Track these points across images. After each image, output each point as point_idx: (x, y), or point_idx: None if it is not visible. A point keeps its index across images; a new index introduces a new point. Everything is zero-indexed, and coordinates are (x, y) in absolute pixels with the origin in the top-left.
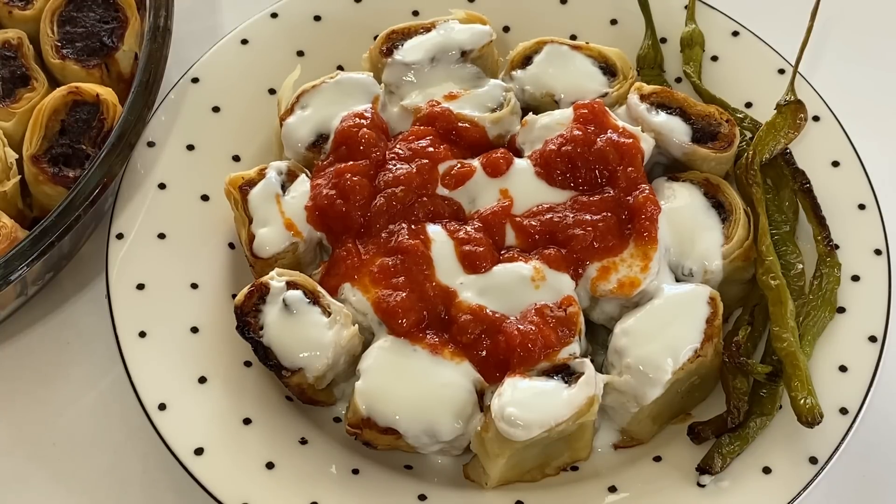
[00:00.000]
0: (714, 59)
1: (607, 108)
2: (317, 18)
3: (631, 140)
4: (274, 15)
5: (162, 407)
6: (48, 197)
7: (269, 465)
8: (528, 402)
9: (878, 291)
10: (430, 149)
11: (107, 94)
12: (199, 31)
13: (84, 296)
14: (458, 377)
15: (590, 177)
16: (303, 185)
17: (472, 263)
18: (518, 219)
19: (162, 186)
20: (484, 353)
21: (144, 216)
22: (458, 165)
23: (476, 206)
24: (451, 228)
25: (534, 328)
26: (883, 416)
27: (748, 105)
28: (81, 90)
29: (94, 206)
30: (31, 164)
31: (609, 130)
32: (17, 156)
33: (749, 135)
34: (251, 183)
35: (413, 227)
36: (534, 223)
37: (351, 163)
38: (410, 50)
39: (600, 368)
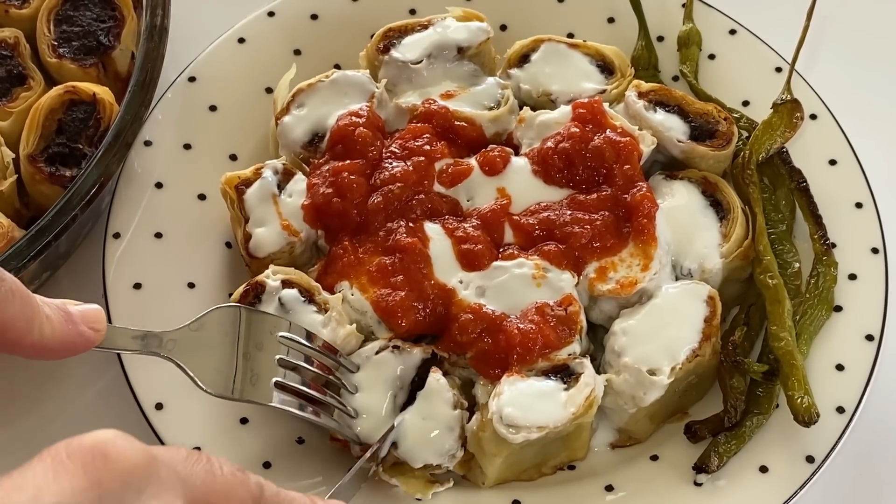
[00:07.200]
0: (711, 57)
1: (606, 107)
2: (314, 17)
3: (628, 138)
4: (271, 13)
5: (159, 406)
6: (45, 196)
7: (266, 465)
8: (526, 403)
9: (875, 290)
10: (427, 146)
11: (103, 93)
12: (196, 29)
13: (81, 295)
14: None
15: (587, 175)
16: (299, 183)
17: (470, 262)
18: (516, 217)
19: (159, 185)
20: (484, 351)
21: (141, 215)
22: (455, 163)
23: (474, 204)
24: (450, 227)
25: (534, 327)
26: (880, 414)
27: (745, 103)
28: (78, 89)
29: (91, 205)
30: (27, 163)
31: (608, 129)
32: (13, 155)
33: (746, 134)
34: (247, 182)
35: (411, 224)
36: (531, 221)
37: (347, 162)
38: (407, 47)
39: (598, 368)
